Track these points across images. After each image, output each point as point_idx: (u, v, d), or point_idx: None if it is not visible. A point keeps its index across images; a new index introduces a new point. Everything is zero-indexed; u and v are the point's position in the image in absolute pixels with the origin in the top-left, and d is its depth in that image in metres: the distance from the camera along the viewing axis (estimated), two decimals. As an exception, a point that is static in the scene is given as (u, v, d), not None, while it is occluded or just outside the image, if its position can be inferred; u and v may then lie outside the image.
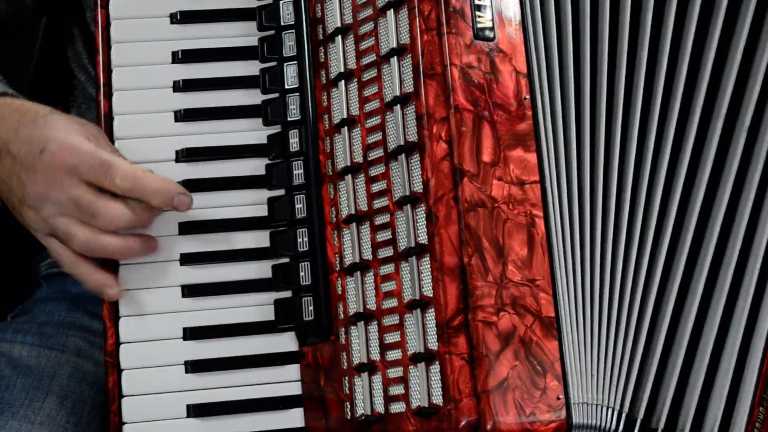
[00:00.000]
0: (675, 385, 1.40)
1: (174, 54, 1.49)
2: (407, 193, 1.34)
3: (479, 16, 1.35)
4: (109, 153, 1.40)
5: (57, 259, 1.42)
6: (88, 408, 1.56)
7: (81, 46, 1.74)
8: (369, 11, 1.41)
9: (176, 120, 1.47)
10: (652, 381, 1.39)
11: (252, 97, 1.48)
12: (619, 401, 1.37)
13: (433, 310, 1.31)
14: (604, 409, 1.36)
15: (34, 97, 1.50)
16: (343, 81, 1.42)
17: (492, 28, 1.36)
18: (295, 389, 1.44)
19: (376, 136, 1.38)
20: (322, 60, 1.45)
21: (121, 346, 1.43)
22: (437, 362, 1.30)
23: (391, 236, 1.36)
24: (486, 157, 1.33)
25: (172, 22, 1.50)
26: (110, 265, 1.43)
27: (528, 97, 1.36)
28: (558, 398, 1.31)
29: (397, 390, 1.34)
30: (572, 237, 1.37)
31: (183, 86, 1.48)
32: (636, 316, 1.39)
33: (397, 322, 1.34)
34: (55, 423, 1.50)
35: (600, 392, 1.36)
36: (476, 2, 1.36)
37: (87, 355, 1.62)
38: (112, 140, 1.46)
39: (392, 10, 1.37)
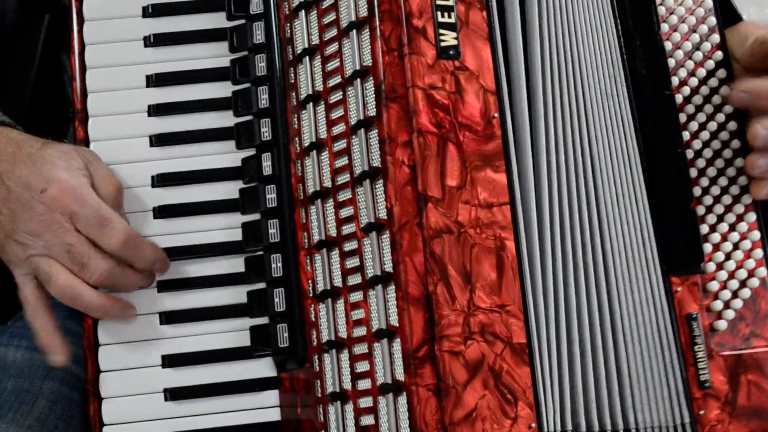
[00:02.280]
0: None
1: (148, 77, 1.48)
2: (372, 220, 1.31)
3: (443, 35, 1.31)
4: (108, 208, 1.38)
5: (22, 302, 1.42)
6: (78, 414, 1.56)
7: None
8: (334, 32, 1.38)
9: (151, 145, 1.46)
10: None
11: (226, 119, 1.47)
12: (596, 424, 1.34)
13: (399, 339, 1.28)
14: (579, 434, 1.33)
15: (32, 121, 1.50)
16: (311, 103, 1.39)
17: (456, 47, 1.32)
18: (274, 415, 1.43)
19: (343, 161, 1.36)
20: (293, 81, 1.43)
21: (101, 375, 1.43)
22: (404, 393, 1.27)
23: (359, 263, 1.33)
24: (451, 180, 1.30)
25: (145, 45, 1.48)
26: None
27: (497, 115, 1.32)
28: (530, 426, 1.28)
29: (367, 420, 1.32)
30: (544, 259, 1.33)
31: (157, 110, 1.47)
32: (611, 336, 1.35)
33: (367, 351, 1.32)
34: (44, 427, 1.51)
35: (575, 417, 1.33)
36: (440, 20, 1.32)
37: (80, 360, 1.62)
38: (89, 167, 1.45)
39: (354, 31, 1.34)
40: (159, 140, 1.46)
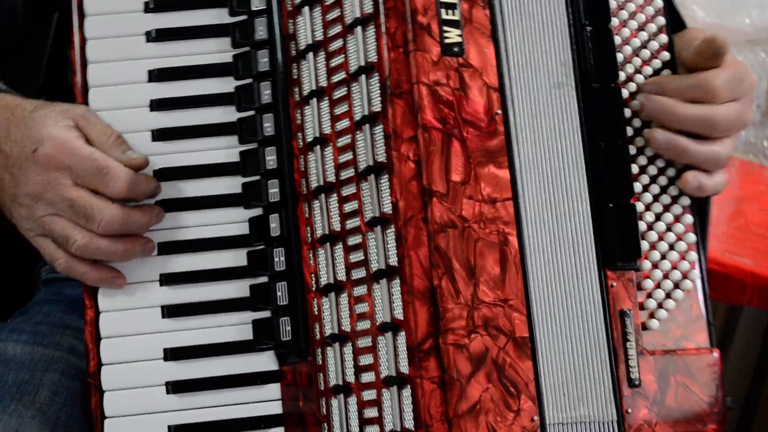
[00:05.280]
0: None
1: (150, 72, 1.48)
2: (377, 215, 1.32)
3: (447, 32, 1.33)
4: (104, 155, 1.39)
5: (51, 261, 1.43)
6: (79, 404, 1.56)
7: None
8: (338, 28, 1.39)
9: (153, 140, 1.47)
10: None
11: (228, 114, 1.47)
12: (599, 414, 1.35)
13: (404, 333, 1.30)
14: (580, 426, 1.34)
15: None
16: (315, 99, 1.41)
17: (461, 44, 1.33)
18: (276, 408, 1.44)
19: (347, 156, 1.37)
20: (296, 77, 1.44)
21: (103, 368, 1.43)
22: (409, 386, 1.29)
23: (363, 257, 1.35)
24: (456, 176, 1.31)
25: (147, 40, 1.49)
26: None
27: (500, 111, 1.34)
28: (532, 419, 1.30)
29: (371, 413, 1.33)
30: (546, 253, 1.35)
31: (159, 105, 1.47)
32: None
33: (371, 344, 1.33)
34: (46, 417, 1.51)
35: (577, 410, 1.35)
36: (444, 17, 1.33)
37: (81, 353, 1.62)
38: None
39: (360, 27, 1.35)
40: (161, 135, 1.46)
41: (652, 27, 1.46)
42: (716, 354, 1.42)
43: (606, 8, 1.42)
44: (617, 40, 1.43)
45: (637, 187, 1.42)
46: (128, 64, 1.48)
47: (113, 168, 1.39)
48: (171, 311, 1.44)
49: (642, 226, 1.41)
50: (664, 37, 1.46)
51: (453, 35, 1.33)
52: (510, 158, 1.34)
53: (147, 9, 1.49)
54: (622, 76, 1.44)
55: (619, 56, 1.44)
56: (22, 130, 1.40)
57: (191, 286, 1.45)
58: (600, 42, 1.41)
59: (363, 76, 1.34)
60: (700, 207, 1.45)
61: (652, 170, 1.44)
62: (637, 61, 1.45)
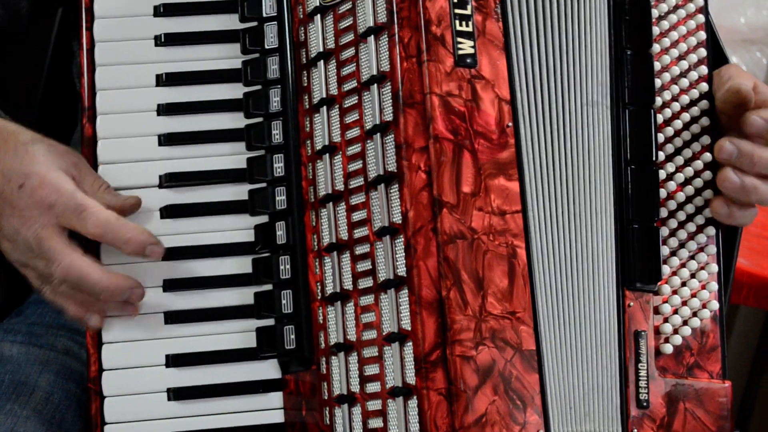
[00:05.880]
0: None
1: (158, 77, 1.47)
2: (386, 224, 1.32)
3: (460, 43, 1.33)
4: (86, 196, 1.38)
5: (38, 290, 1.42)
6: (74, 404, 1.55)
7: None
8: (350, 36, 1.39)
9: (160, 144, 1.46)
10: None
11: (236, 120, 1.47)
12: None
13: (411, 343, 1.29)
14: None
15: (43, 114, 1.49)
16: (325, 107, 1.40)
17: (474, 55, 1.33)
18: (278, 417, 1.43)
19: (357, 164, 1.37)
20: (305, 85, 1.44)
21: (104, 373, 1.42)
22: (415, 397, 1.28)
23: (371, 267, 1.34)
24: (466, 187, 1.31)
25: (156, 45, 1.48)
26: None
27: (511, 124, 1.34)
28: (538, 433, 1.30)
29: (376, 423, 1.32)
30: (555, 266, 1.35)
31: (167, 110, 1.46)
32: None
33: (377, 354, 1.33)
34: (41, 417, 1.50)
35: (584, 425, 1.34)
36: (458, 29, 1.33)
37: (75, 354, 1.62)
38: (95, 165, 1.45)
39: (373, 36, 1.35)
40: (168, 140, 1.46)
41: (693, 57, 1.47)
42: (728, 385, 1.42)
43: (648, 34, 1.43)
44: (657, 65, 1.45)
45: (663, 212, 1.43)
46: (137, 67, 1.48)
47: (91, 207, 1.37)
48: (173, 317, 1.43)
49: (665, 251, 1.42)
50: (704, 69, 1.47)
51: (466, 46, 1.33)
52: (520, 171, 1.34)
53: (157, 13, 1.49)
54: (659, 101, 1.44)
55: (657, 82, 1.45)
56: (12, 162, 1.39)
57: (195, 292, 1.44)
58: (639, 66, 1.42)
59: (375, 85, 1.34)
60: (728, 240, 1.46)
61: (680, 197, 1.45)
62: (675, 89, 1.46)
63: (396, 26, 1.33)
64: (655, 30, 1.46)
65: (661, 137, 1.44)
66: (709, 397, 1.40)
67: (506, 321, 1.30)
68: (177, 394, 1.42)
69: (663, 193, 1.43)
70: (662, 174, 1.43)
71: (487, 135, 1.33)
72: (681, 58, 1.46)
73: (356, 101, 1.37)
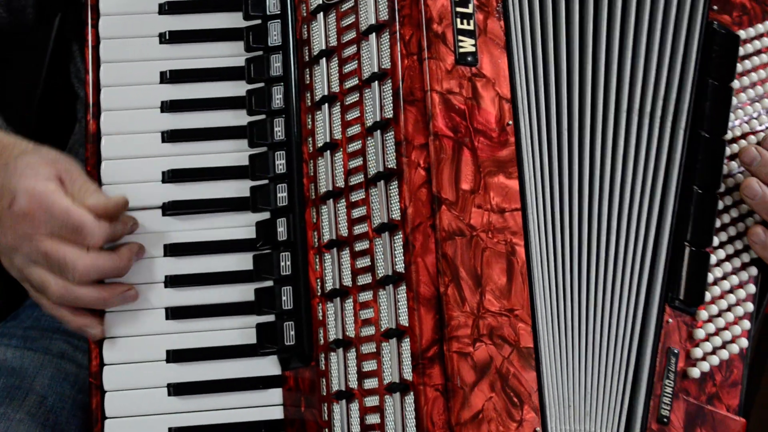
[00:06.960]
0: None
1: (162, 74, 1.48)
2: (385, 221, 1.32)
3: (462, 41, 1.33)
4: (81, 210, 1.37)
5: (37, 302, 1.43)
6: (69, 407, 1.56)
7: (80, 62, 1.74)
8: (353, 34, 1.39)
9: (163, 141, 1.47)
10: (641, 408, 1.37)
11: (239, 118, 1.48)
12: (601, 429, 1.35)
13: (408, 339, 1.29)
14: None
15: (41, 115, 1.49)
16: (326, 104, 1.41)
17: (474, 53, 1.34)
18: (278, 413, 1.43)
19: (357, 161, 1.37)
20: (308, 82, 1.44)
21: (105, 368, 1.43)
22: (412, 393, 1.28)
23: (370, 263, 1.34)
24: (465, 184, 1.31)
25: (161, 42, 1.49)
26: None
27: (511, 122, 1.34)
28: (535, 430, 1.29)
29: (373, 419, 1.33)
30: (554, 265, 1.35)
31: (170, 107, 1.47)
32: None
33: (375, 350, 1.33)
34: (35, 420, 1.51)
35: (584, 424, 1.34)
36: (459, 27, 1.34)
37: (70, 357, 1.62)
38: (99, 161, 1.46)
39: (374, 34, 1.36)
40: (171, 136, 1.47)
41: (767, 102, 1.50)
42: (742, 422, 1.43)
43: (732, 69, 1.46)
44: (733, 101, 1.46)
45: (715, 240, 1.45)
46: (141, 64, 1.49)
47: (87, 225, 1.37)
48: (175, 313, 1.44)
49: (709, 278, 1.44)
50: None
51: (467, 45, 1.34)
52: (520, 169, 1.34)
53: (161, 11, 1.50)
54: (729, 135, 1.46)
55: (731, 116, 1.47)
56: (2, 178, 1.39)
57: (196, 288, 1.45)
58: (719, 97, 1.44)
59: (376, 83, 1.35)
60: (763, 285, 1.48)
61: (732, 231, 1.47)
62: (746, 127, 1.48)
63: (397, 24, 1.34)
64: (738, 67, 1.48)
65: (725, 169, 1.46)
66: (724, 429, 1.41)
67: (504, 318, 1.30)
68: (177, 389, 1.43)
69: (716, 223, 1.45)
70: (720, 204, 1.45)
71: (487, 133, 1.33)
72: (758, 99, 1.49)
73: (357, 98, 1.38)
